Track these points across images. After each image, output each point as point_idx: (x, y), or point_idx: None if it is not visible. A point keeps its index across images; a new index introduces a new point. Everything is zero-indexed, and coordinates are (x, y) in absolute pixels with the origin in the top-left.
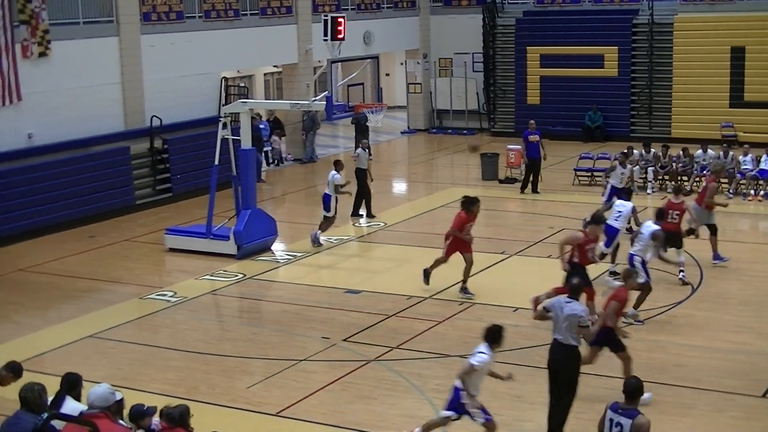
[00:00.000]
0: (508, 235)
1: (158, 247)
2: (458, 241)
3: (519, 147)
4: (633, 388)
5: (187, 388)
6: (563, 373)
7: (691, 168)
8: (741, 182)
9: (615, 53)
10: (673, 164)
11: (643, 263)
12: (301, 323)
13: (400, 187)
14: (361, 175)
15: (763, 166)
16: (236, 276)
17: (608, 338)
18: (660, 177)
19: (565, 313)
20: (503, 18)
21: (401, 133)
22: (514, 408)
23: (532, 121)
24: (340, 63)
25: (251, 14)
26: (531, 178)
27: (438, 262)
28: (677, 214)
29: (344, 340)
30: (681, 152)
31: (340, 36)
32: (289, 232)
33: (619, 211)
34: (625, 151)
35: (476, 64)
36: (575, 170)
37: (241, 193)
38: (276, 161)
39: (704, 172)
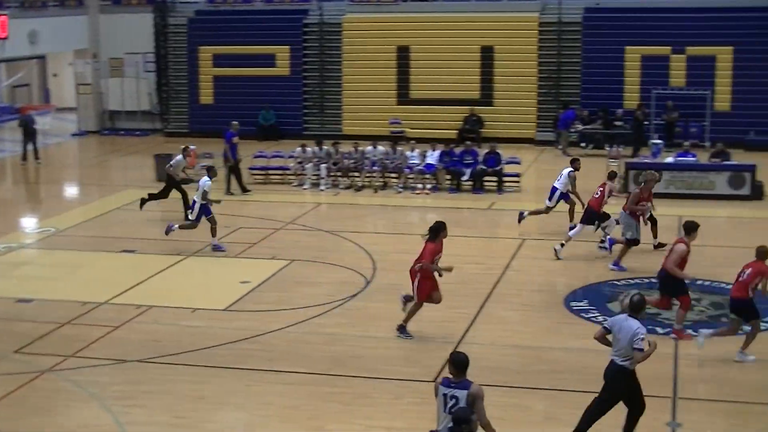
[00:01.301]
0: (185, 236)
1: None
2: (428, 278)
3: (194, 147)
4: (461, 362)
5: None
6: (609, 388)
7: (361, 164)
8: (409, 177)
9: (287, 53)
10: (345, 160)
11: None
12: None
13: (72, 191)
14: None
15: (429, 160)
16: None
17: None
18: (333, 173)
19: (622, 332)
20: (175, 17)
21: (72, 135)
22: (197, 409)
23: (235, 122)
24: (3, 63)
25: None
26: (236, 179)
27: (413, 312)
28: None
29: (16, 351)
30: (352, 149)
31: (4, 35)
32: None
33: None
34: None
35: (148, 64)
36: (250, 169)
37: None
38: None
39: (374, 167)
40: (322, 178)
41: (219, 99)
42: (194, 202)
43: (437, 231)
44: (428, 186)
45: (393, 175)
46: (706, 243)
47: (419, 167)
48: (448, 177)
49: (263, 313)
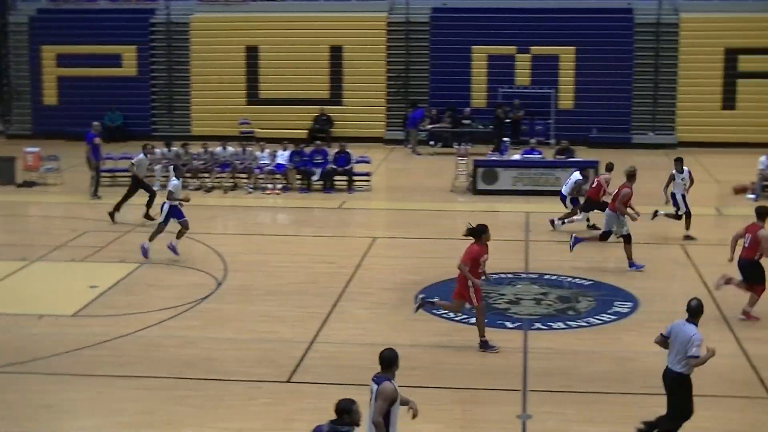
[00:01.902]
0: (30, 241)
1: None
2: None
3: (37, 149)
4: (384, 358)
5: None
6: (674, 394)
7: (212, 165)
8: (259, 177)
9: (133, 52)
10: (194, 161)
11: None
12: None
13: None
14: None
15: (279, 160)
16: None
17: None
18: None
19: (678, 338)
20: (15, 16)
21: None
22: (45, 419)
23: (96, 123)
24: None
25: None
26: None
27: (480, 320)
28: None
29: None
30: (202, 149)
31: None
32: None
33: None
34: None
35: None
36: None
37: None
38: None
39: (224, 168)
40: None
41: (64, 100)
42: (163, 204)
43: (480, 233)
44: (279, 186)
45: (243, 175)
46: (550, 238)
47: (269, 167)
48: (299, 177)
49: (113, 317)
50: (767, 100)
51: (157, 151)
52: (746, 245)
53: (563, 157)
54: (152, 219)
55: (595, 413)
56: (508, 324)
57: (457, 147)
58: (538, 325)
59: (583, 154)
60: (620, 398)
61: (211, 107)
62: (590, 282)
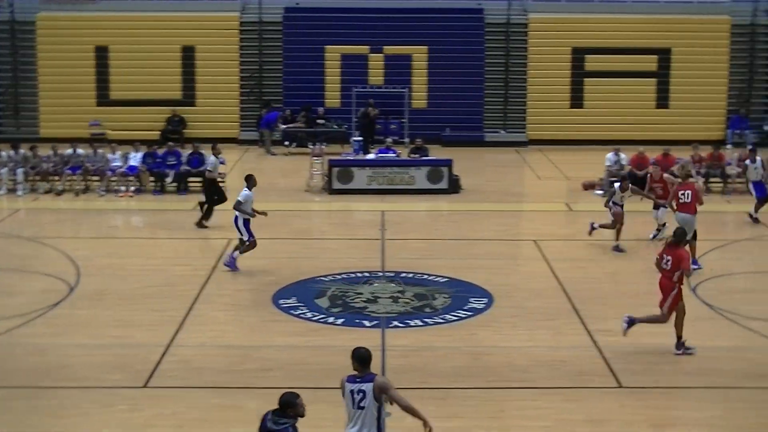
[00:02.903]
0: None
1: None
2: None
3: None
4: (364, 357)
5: None
6: None
7: (61, 167)
8: (112, 179)
9: None
10: (44, 164)
11: None
12: None
13: None
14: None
15: (132, 162)
16: None
17: None
18: (31, 178)
19: None
20: None
21: None
22: None
23: None
24: None
25: None
26: None
27: (679, 324)
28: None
29: None
30: (51, 152)
31: None
32: None
33: None
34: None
35: None
36: None
37: None
38: None
39: (75, 170)
40: (20, 183)
41: None
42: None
43: (682, 236)
44: (132, 188)
45: (95, 178)
46: (408, 236)
47: (122, 169)
48: (152, 179)
49: None
50: (613, 99)
51: (3, 153)
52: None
53: (417, 155)
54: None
55: (455, 408)
56: (366, 323)
57: (311, 147)
58: (395, 323)
59: (436, 152)
60: (479, 393)
61: (61, 108)
62: (446, 279)
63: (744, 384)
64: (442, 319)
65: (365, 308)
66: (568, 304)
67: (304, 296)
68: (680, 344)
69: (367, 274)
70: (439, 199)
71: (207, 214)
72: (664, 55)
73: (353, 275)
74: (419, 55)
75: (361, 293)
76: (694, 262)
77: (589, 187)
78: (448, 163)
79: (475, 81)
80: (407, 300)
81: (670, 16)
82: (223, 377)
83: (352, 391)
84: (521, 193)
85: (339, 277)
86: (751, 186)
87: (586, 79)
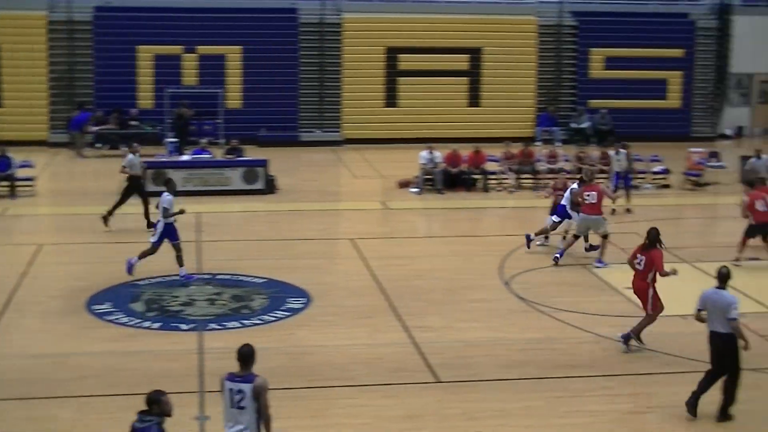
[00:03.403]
0: None
1: None
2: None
3: None
4: (244, 355)
5: None
6: (725, 359)
7: None
8: None
9: None
10: None
11: None
12: None
13: None
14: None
15: None
16: None
17: None
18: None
19: (716, 305)
20: None
21: None
22: None
23: None
24: None
25: None
26: None
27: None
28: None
29: None
30: None
31: None
32: None
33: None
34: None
35: None
36: None
37: None
38: None
39: None
40: None
41: None
42: (157, 221)
43: (657, 235)
44: None
45: None
46: (223, 238)
47: None
48: None
49: None
50: (426, 98)
51: None
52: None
53: (232, 156)
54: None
55: (274, 409)
56: (183, 326)
57: (123, 148)
58: (213, 325)
59: (252, 153)
60: (299, 393)
61: None
62: (264, 280)
63: (556, 374)
64: (260, 320)
65: (182, 311)
66: (386, 301)
67: (118, 301)
68: (628, 336)
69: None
70: (255, 199)
71: (114, 209)
72: (474, 54)
73: (169, 278)
74: (233, 55)
75: (177, 296)
76: (599, 261)
77: (404, 185)
78: (263, 163)
79: (289, 81)
80: (224, 302)
81: (480, 17)
82: (34, 388)
83: (231, 390)
84: (338, 192)
85: (154, 280)
86: (613, 177)
87: (399, 78)
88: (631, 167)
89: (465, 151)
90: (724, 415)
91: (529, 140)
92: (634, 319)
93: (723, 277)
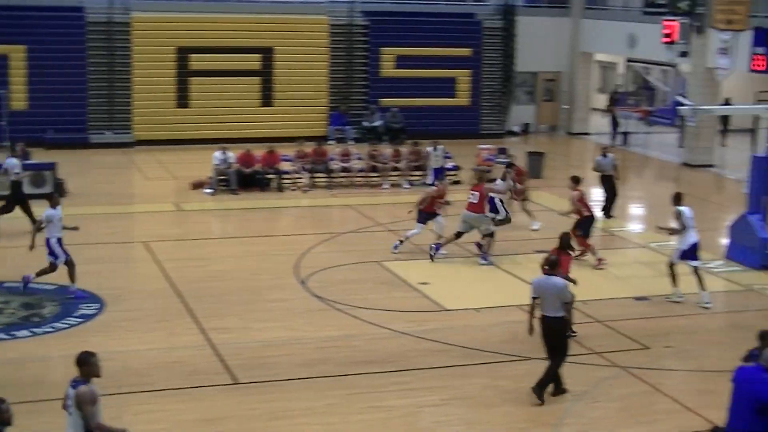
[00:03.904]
0: None
1: None
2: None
3: None
4: (77, 360)
5: None
6: (555, 340)
7: None
8: None
9: None
10: None
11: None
12: None
13: None
14: None
15: None
16: None
17: None
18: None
19: (548, 290)
20: None
21: None
22: None
23: None
24: None
25: None
26: None
27: None
28: None
29: None
30: None
31: None
32: None
33: None
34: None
35: None
36: None
37: None
38: None
39: None
40: None
41: None
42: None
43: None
44: None
45: None
46: (10, 244)
47: None
48: None
49: None
50: (218, 98)
51: None
52: None
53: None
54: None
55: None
56: (36, 330)
57: None
58: (1, 335)
59: (40, 155)
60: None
61: None
62: (55, 286)
63: (353, 370)
64: (52, 327)
65: (31, 317)
66: (182, 304)
67: None
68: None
69: None
70: (44, 204)
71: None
72: (267, 54)
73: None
74: (17, 54)
75: None
76: (484, 257)
77: (198, 186)
78: (51, 166)
79: (77, 81)
80: (13, 310)
81: (272, 16)
82: None
83: (66, 395)
84: (130, 194)
85: None
86: (431, 173)
87: (191, 79)
88: (425, 165)
89: (259, 151)
90: (539, 391)
91: (322, 139)
92: (430, 314)
93: (553, 264)
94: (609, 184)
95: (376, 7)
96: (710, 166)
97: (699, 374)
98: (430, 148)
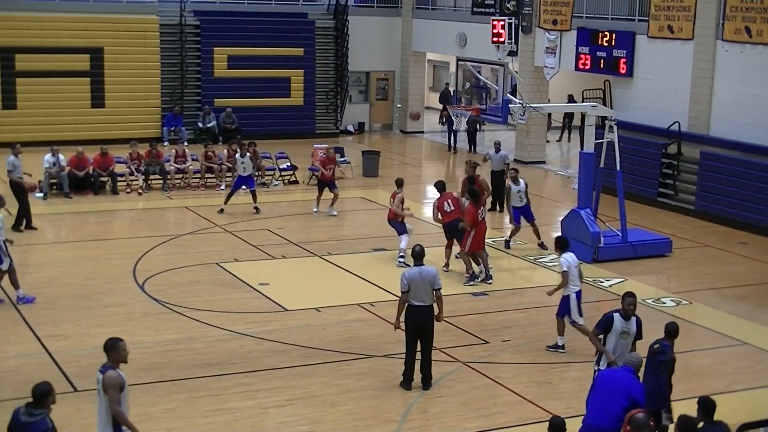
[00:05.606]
0: None
1: None
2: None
3: None
4: (104, 346)
5: None
6: (430, 327)
7: None
8: None
9: None
10: None
11: None
12: None
13: None
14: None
15: None
16: None
17: None
18: None
19: (421, 280)
20: None
21: None
22: None
23: None
24: None
25: None
26: None
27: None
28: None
29: None
30: None
31: None
32: None
33: None
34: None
35: None
36: None
37: None
38: None
39: None
40: None
41: None
42: None
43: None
44: None
45: None
46: None
47: None
48: None
49: None
50: (46, 99)
51: None
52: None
53: None
54: None
55: None
56: None
57: None
58: None
59: None
60: None
61: None
62: None
63: (195, 374)
64: None
65: None
66: (15, 311)
67: None
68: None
69: None
70: None
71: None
72: (96, 54)
73: None
74: None
75: None
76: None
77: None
78: None
79: None
80: None
81: (101, 15)
82: None
83: (97, 380)
84: None
85: None
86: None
87: (18, 79)
88: (260, 165)
89: (91, 153)
90: (428, 383)
91: (156, 140)
92: (270, 314)
93: (419, 255)
94: (500, 180)
95: (208, 6)
96: (542, 162)
97: (535, 366)
98: (237, 155)
